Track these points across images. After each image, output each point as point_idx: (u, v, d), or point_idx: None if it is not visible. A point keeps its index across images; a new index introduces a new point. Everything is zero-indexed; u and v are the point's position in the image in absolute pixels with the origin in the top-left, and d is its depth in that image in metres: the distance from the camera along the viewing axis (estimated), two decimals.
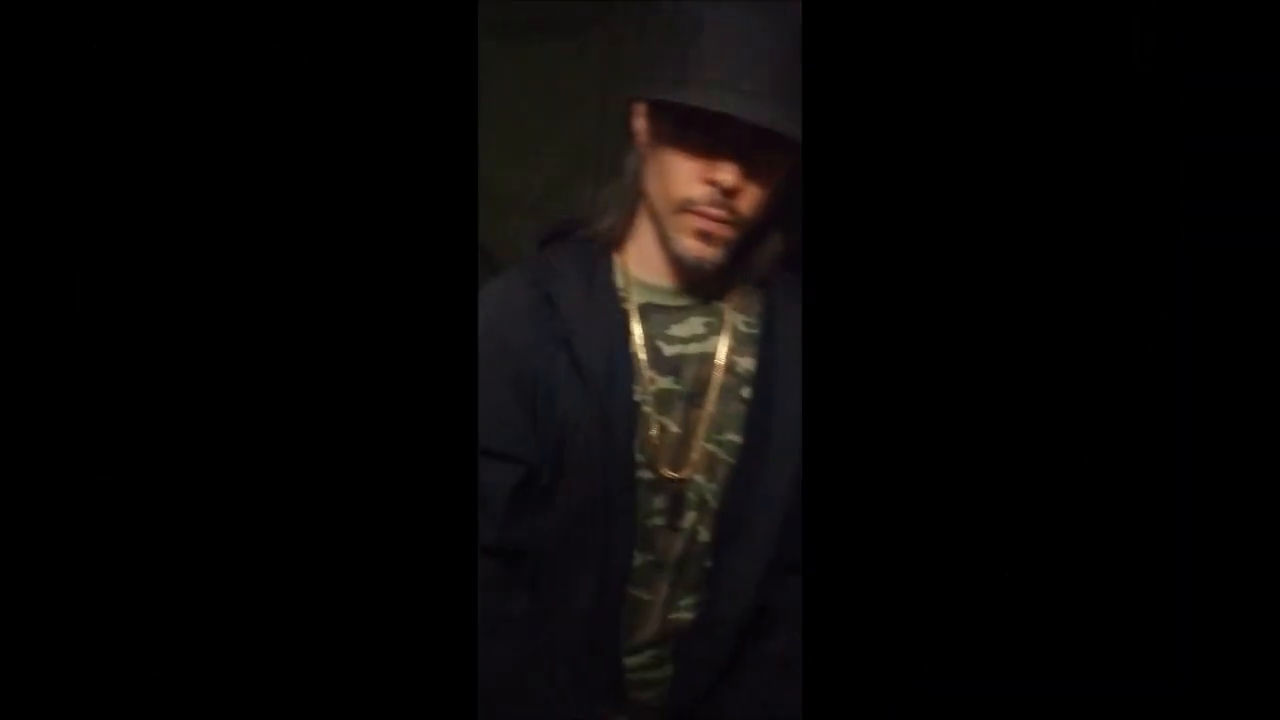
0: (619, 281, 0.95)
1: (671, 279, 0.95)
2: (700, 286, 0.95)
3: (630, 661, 0.95)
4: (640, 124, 0.91)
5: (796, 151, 0.86)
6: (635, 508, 0.92)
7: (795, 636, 0.92)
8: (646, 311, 0.94)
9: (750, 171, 0.86)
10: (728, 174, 0.85)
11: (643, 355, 0.92)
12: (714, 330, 0.95)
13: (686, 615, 0.95)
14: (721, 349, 0.94)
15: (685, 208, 0.88)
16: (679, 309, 0.95)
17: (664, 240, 0.91)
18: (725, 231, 0.88)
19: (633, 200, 0.94)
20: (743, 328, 0.96)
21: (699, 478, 0.93)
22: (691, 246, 0.89)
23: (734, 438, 0.93)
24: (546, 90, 1.41)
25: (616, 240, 0.95)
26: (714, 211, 0.87)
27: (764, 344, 0.95)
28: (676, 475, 0.92)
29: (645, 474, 0.92)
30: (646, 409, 0.92)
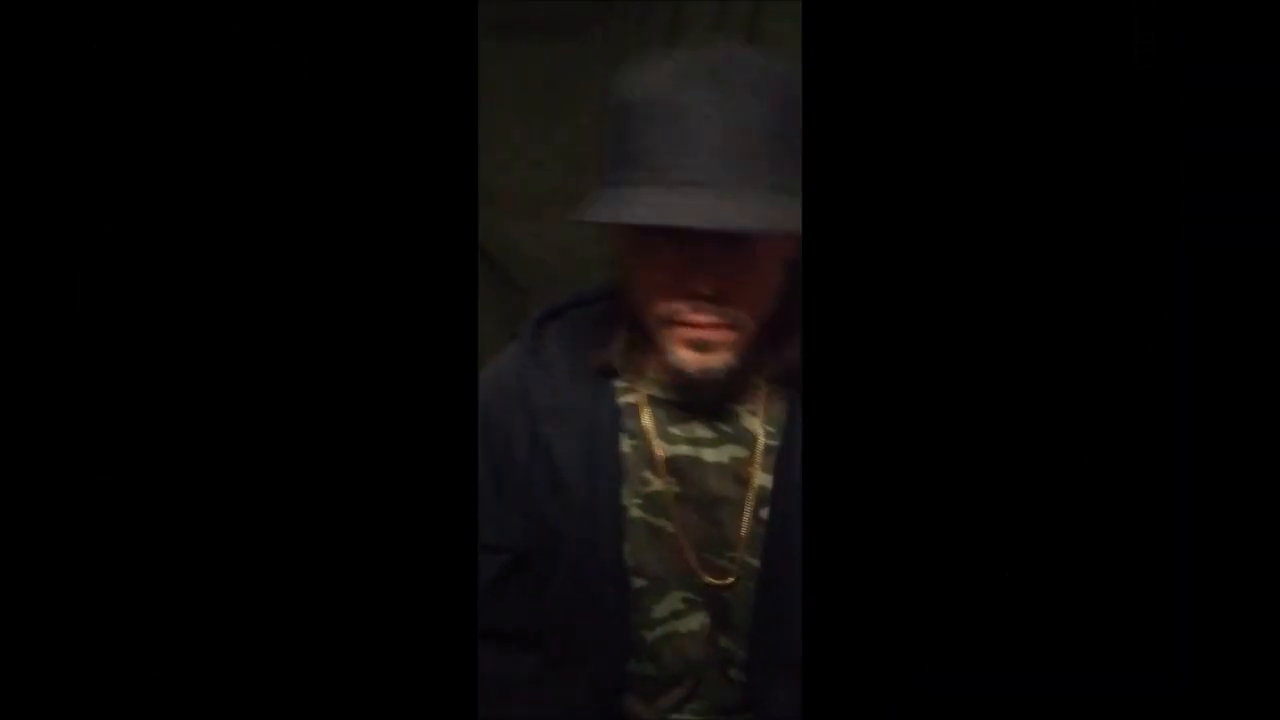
0: (621, 380, 0.85)
1: (680, 380, 0.82)
2: (713, 389, 0.83)
3: None
4: (613, 243, 0.82)
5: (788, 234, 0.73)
6: (629, 614, 0.84)
7: None
8: (651, 405, 0.85)
9: (734, 270, 0.75)
10: (703, 283, 0.75)
11: (635, 454, 0.84)
12: (726, 438, 0.85)
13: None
14: (732, 458, 0.84)
15: (669, 322, 0.78)
16: (686, 406, 0.85)
17: (665, 360, 0.80)
18: (723, 337, 0.77)
19: (630, 324, 0.83)
20: (766, 439, 0.84)
21: (740, 587, 0.84)
22: (688, 359, 0.78)
23: (747, 558, 0.84)
24: (546, 90, 1.41)
25: (626, 363, 0.85)
26: (703, 319, 0.76)
27: (782, 457, 0.83)
28: (714, 581, 0.83)
29: (640, 581, 0.84)
30: (636, 513, 0.84)
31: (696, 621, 0.86)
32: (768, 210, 0.72)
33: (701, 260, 0.75)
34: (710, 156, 0.71)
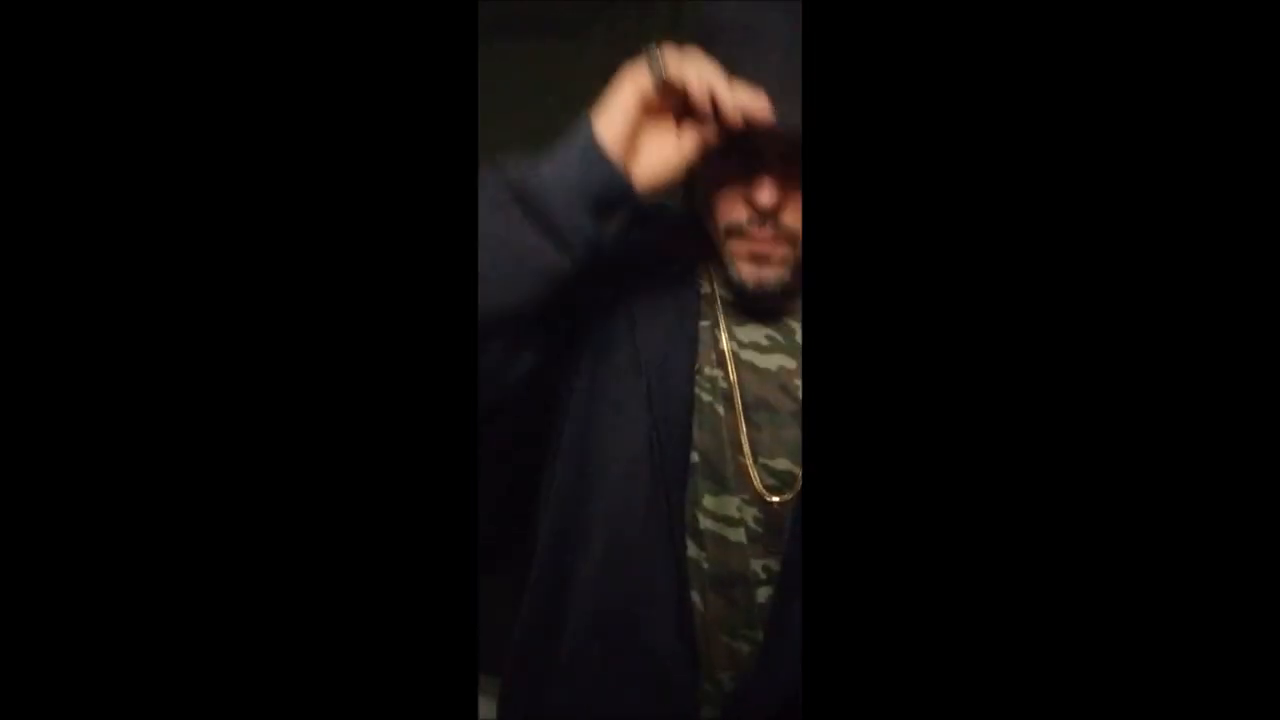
0: (700, 273, 0.91)
1: (740, 292, 0.89)
2: (771, 301, 0.89)
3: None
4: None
5: None
6: (684, 494, 0.87)
7: None
8: (717, 301, 0.90)
9: (793, 183, 0.81)
10: (765, 193, 0.80)
11: (708, 336, 0.89)
12: (777, 346, 0.90)
13: (744, 648, 0.89)
14: (780, 367, 0.89)
15: (732, 234, 0.84)
16: (749, 311, 0.90)
17: (726, 274, 0.87)
18: (780, 251, 0.84)
19: (699, 236, 0.89)
20: None
21: (780, 503, 0.87)
22: (748, 273, 0.85)
23: (784, 464, 0.88)
24: (546, 90, 1.41)
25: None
26: (762, 233, 0.83)
27: None
28: (770, 498, 0.87)
29: (695, 457, 0.88)
30: (698, 392, 0.88)
31: (742, 534, 0.89)
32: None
33: (768, 169, 0.80)
34: (784, 60, 0.76)
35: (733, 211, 0.84)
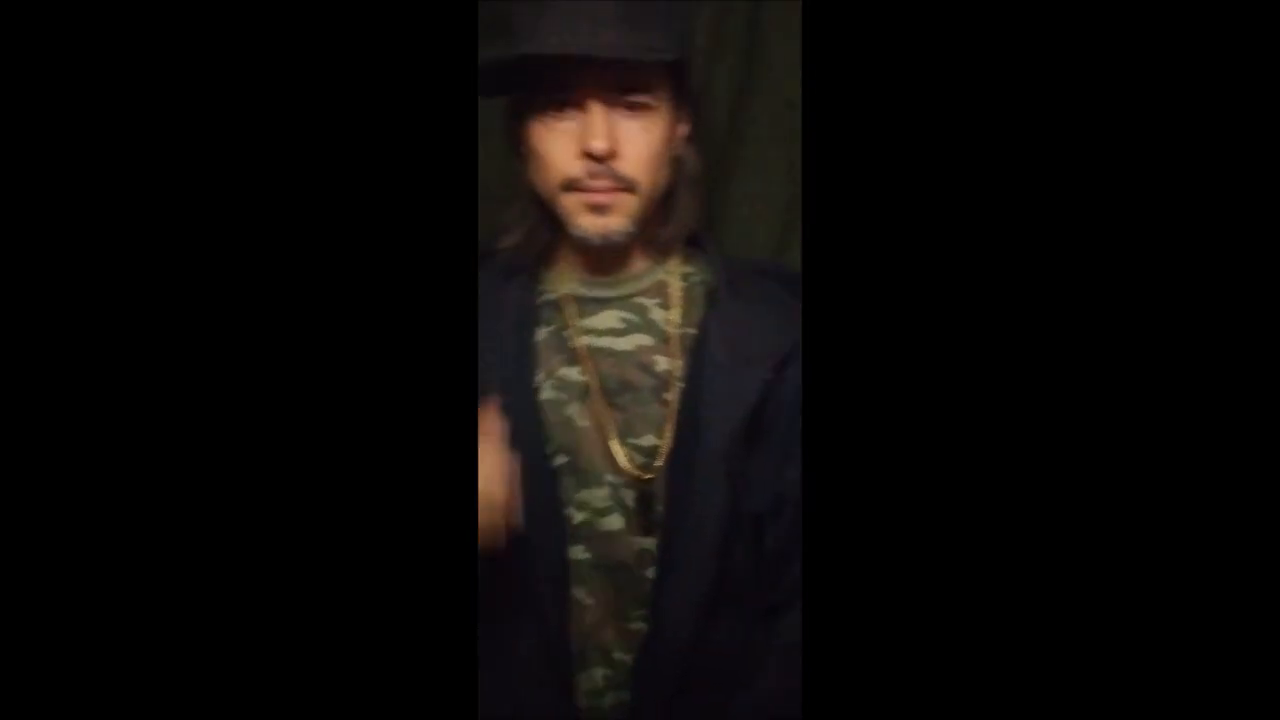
0: (543, 281, 0.93)
1: (588, 268, 0.92)
2: (621, 275, 0.92)
3: (582, 682, 0.90)
4: (512, 125, 0.89)
5: (673, 92, 0.84)
6: (556, 498, 0.88)
7: (741, 686, 0.89)
8: (563, 302, 0.92)
9: (622, 128, 0.84)
10: (596, 138, 0.82)
11: (552, 339, 0.91)
12: (633, 328, 0.92)
13: (638, 627, 0.90)
14: (638, 346, 0.91)
15: (569, 188, 0.85)
16: (597, 300, 0.92)
17: (568, 231, 0.88)
18: (618, 200, 0.85)
19: (535, 207, 0.90)
20: (665, 326, 0.92)
21: (613, 478, 0.89)
22: (588, 224, 0.86)
23: (650, 440, 0.90)
24: None
25: (537, 253, 0.93)
26: (598, 183, 0.84)
27: (697, 348, 0.90)
28: (641, 475, 0.88)
29: (561, 459, 0.89)
30: (547, 396, 0.90)
31: (619, 520, 0.90)
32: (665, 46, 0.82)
33: (595, 116, 0.83)
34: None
35: (566, 166, 0.84)
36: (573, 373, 0.91)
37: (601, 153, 0.83)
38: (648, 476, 0.89)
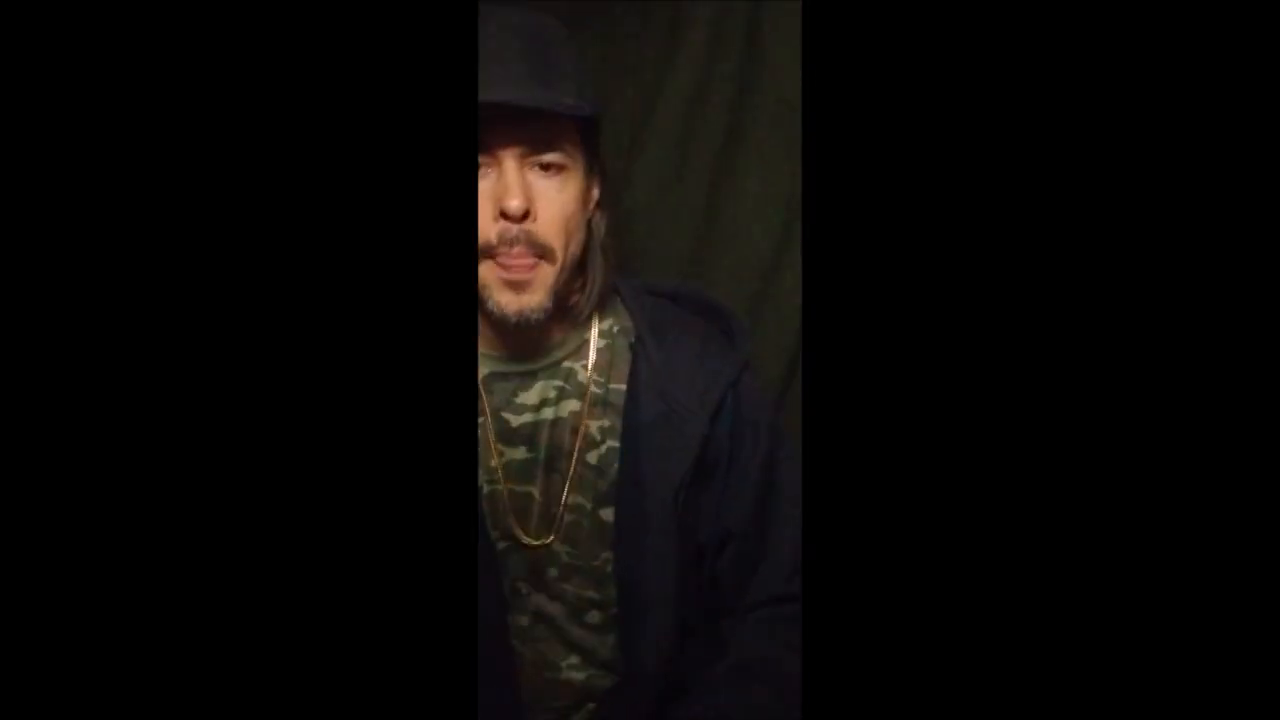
0: None
1: (508, 346, 0.91)
2: (542, 346, 0.92)
3: None
4: None
5: (585, 152, 0.85)
6: (498, 575, 0.91)
7: (711, 702, 0.91)
8: (490, 382, 0.91)
9: (537, 187, 0.83)
10: (512, 197, 0.81)
11: (490, 429, 0.90)
12: (565, 394, 0.92)
13: (599, 680, 0.94)
14: (570, 412, 0.92)
15: (486, 257, 0.83)
16: (524, 374, 0.92)
17: (484, 309, 0.86)
18: (536, 275, 0.84)
19: None
20: (594, 388, 0.92)
21: (557, 544, 0.91)
22: (506, 302, 0.84)
23: (584, 501, 0.92)
24: None
25: None
26: (515, 253, 0.83)
27: (628, 406, 0.91)
28: (534, 542, 0.91)
29: (502, 544, 0.91)
30: (496, 485, 0.90)
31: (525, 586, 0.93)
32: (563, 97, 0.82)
33: (507, 180, 0.82)
34: (519, 60, 0.81)
35: (483, 230, 0.82)
36: (519, 452, 0.92)
37: (516, 212, 0.81)
38: (538, 544, 0.91)
